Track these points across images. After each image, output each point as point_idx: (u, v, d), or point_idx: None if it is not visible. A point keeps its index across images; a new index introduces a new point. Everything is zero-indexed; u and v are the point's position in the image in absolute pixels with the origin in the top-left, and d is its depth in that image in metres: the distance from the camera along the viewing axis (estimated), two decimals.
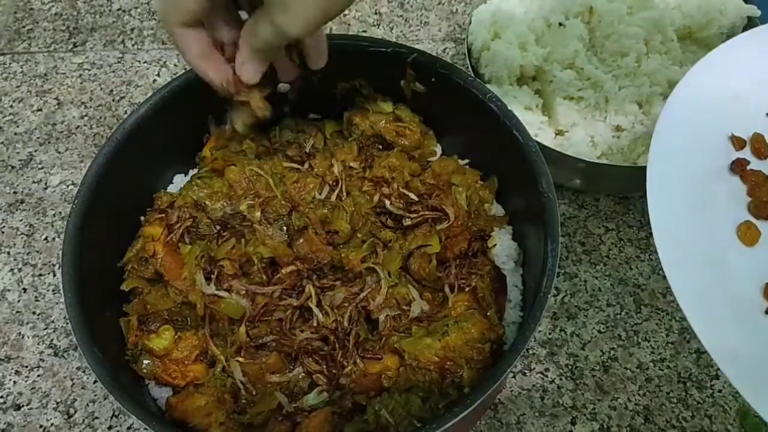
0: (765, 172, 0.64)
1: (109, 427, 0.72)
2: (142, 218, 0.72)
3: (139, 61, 1.03)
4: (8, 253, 0.85)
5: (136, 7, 1.10)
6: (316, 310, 0.64)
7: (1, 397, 0.75)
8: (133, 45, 1.05)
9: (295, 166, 0.74)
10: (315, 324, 0.64)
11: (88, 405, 0.74)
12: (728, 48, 0.68)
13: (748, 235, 0.60)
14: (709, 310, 0.55)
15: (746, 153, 0.65)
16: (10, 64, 1.03)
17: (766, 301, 0.57)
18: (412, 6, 1.09)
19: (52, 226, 0.87)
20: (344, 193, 0.72)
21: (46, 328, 0.79)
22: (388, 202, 0.69)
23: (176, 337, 0.64)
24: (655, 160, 0.61)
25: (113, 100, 0.99)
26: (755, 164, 0.64)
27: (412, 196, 0.70)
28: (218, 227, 0.69)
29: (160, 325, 0.64)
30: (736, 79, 0.67)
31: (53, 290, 0.82)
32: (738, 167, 0.63)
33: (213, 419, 0.61)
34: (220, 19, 0.56)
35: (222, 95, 0.60)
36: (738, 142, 0.65)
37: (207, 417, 0.61)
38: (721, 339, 0.53)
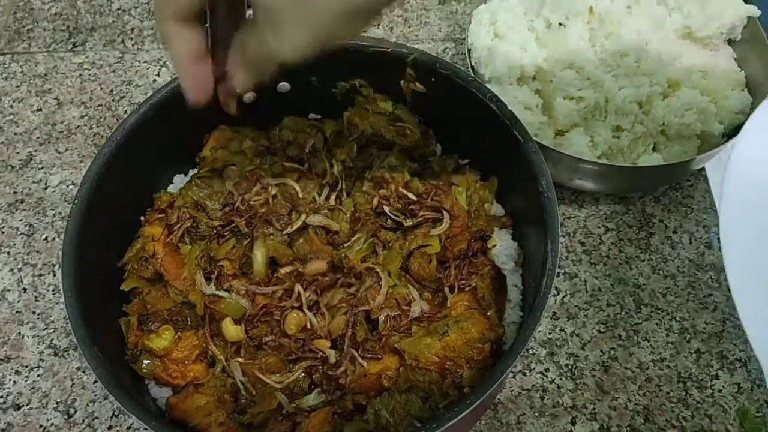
0: None
1: (109, 427, 0.72)
2: (142, 218, 0.72)
3: (139, 61, 1.03)
4: (8, 253, 0.85)
5: (136, 7, 1.10)
6: (309, 314, 0.64)
7: (1, 397, 0.75)
8: (133, 45, 1.05)
9: (295, 166, 0.74)
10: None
11: (88, 405, 0.74)
12: None
13: None
14: None
15: None
16: (10, 64, 1.03)
17: None
18: (412, 6, 1.08)
19: (52, 226, 0.87)
20: (344, 194, 0.72)
21: (46, 328, 0.79)
22: (387, 208, 0.69)
23: (176, 337, 0.64)
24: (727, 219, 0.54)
25: (113, 100, 0.99)
26: None
27: (412, 196, 0.70)
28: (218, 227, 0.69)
29: (160, 325, 0.64)
30: None
31: (53, 290, 0.82)
32: None
33: (213, 419, 0.61)
34: (220, 16, 0.51)
35: (191, 106, 0.52)
36: None
37: (207, 417, 0.61)
38: None
